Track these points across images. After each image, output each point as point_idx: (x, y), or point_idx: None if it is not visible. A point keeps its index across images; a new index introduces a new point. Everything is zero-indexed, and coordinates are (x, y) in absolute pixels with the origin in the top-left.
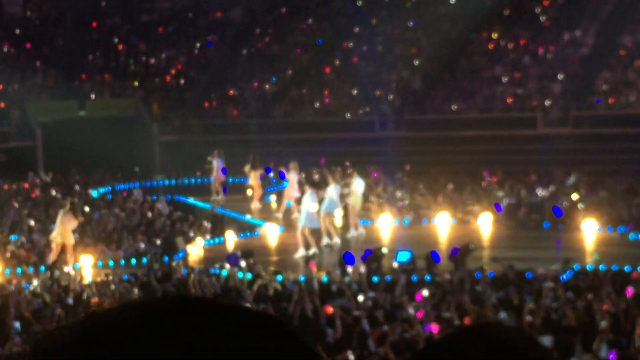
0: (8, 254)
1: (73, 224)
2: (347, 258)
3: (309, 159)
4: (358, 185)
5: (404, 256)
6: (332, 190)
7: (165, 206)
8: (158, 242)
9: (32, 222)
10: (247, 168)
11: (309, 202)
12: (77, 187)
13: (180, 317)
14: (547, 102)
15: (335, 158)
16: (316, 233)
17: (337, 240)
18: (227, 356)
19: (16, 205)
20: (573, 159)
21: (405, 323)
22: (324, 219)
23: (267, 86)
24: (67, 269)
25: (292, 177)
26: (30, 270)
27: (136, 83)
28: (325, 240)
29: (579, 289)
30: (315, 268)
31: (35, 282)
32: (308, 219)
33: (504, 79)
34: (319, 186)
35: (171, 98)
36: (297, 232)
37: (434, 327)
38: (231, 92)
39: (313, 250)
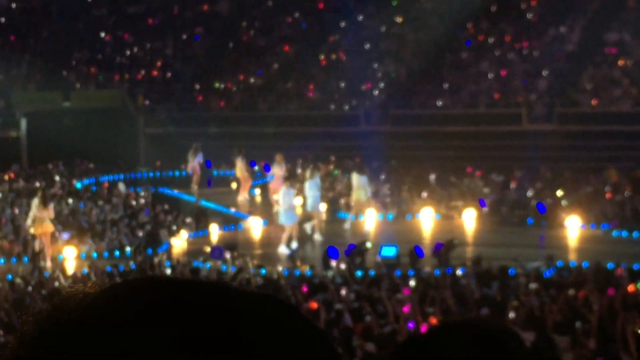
0: None
1: (47, 213)
2: (330, 252)
3: (293, 152)
4: (358, 180)
5: (389, 251)
6: (311, 187)
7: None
8: (141, 234)
9: (16, 212)
10: (235, 160)
11: (286, 199)
12: (60, 179)
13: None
14: (533, 99)
15: (320, 152)
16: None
17: (318, 236)
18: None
19: None
20: (557, 155)
21: (389, 317)
22: (314, 216)
23: (252, 79)
24: (48, 260)
25: (278, 171)
26: (14, 261)
27: (122, 75)
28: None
29: (562, 286)
30: (299, 262)
31: (17, 273)
32: (286, 215)
33: (490, 75)
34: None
35: (157, 90)
36: (280, 227)
37: (418, 322)
38: (217, 85)
39: (295, 244)
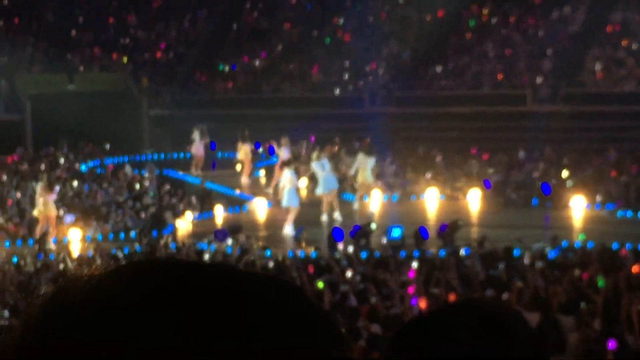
0: None
1: (51, 196)
2: (335, 234)
3: (297, 134)
4: (364, 161)
5: (396, 232)
6: (319, 168)
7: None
8: (146, 216)
9: (19, 196)
10: (239, 143)
11: (290, 181)
12: (64, 161)
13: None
14: (537, 79)
15: (324, 134)
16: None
17: (337, 214)
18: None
19: (4, 178)
20: (562, 136)
21: (394, 299)
22: (326, 198)
23: (256, 61)
24: (53, 242)
25: (283, 153)
26: (19, 244)
27: (125, 57)
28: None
29: (567, 266)
30: (304, 243)
31: (23, 256)
32: (289, 198)
33: (494, 56)
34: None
35: (160, 73)
36: (284, 209)
37: (423, 303)
38: (220, 67)
39: (300, 226)
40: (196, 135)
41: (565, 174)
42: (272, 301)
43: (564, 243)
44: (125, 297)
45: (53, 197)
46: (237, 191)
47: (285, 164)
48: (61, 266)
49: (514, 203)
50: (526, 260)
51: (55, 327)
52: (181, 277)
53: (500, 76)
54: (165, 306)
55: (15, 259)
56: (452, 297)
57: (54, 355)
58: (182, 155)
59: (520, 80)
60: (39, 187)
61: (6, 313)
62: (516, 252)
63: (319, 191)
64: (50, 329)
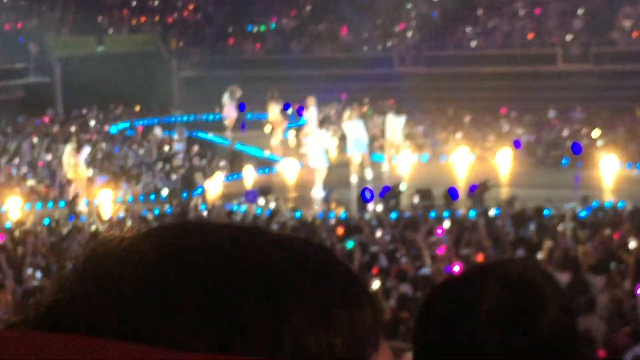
0: (27, 190)
1: (80, 158)
2: (365, 195)
3: (327, 95)
4: (394, 122)
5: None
6: (353, 127)
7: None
8: (176, 178)
9: (50, 158)
10: (268, 104)
11: (318, 142)
12: (95, 123)
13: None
14: (568, 38)
15: (354, 94)
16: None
17: (369, 174)
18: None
19: (35, 140)
20: (593, 95)
21: (424, 259)
22: (355, 159)
23: (285, 21)
24: (84, 204)
25: (311, 114)
26: (50, 205)
27: (154, 19)
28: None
29: (598, 226)
30: (334, 204)
31: (53, 218)
32: (318, 158)
33: (524, 15)
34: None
35: (189, 34)
36: (314, 170)
37: (454, 264)
38: (250, 27)
39: (328, 187)
40: (226, 96)
41: (596, 133)
42: (303, 263)
43: (594, 203)
44: (156, 260)
45: (82, 158)
46: (267, 152)
47: (316, 124)
48: (92, 228)
49: (544, 163)
50: (556, 220)
51: (88, 289)
52: (212, 240)
53: (530, 35)
54: (196, 270)
55: (46, 221)
56: (481, 258)
57: (86, 317)
58: (211, 116)
59: (551, 40)
60: (68, 149)
61: (38, 274)
62: (546, 212)
63: (349, 152)
64: (83, 289)
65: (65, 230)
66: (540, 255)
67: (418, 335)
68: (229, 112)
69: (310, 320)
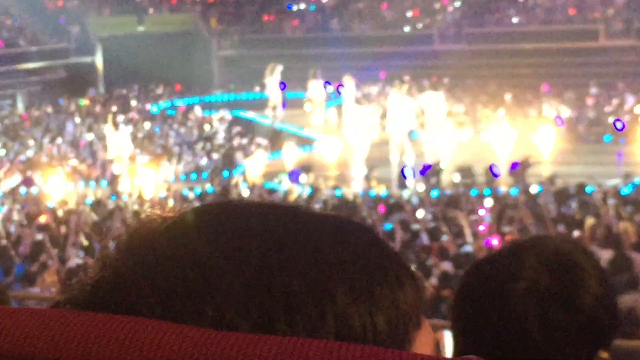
0: (70, 169)
1: (120, 138)
2: (405, 172)
3: (367, 73)
4: (433, 99)
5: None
6: (396, 104)
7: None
8: (217, 157)
9: (92, 137)
10: (309, 82)
11: (360, 119)
12: (136, 103)
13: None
14: (610, 14)
15: (394, 72)
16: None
17: (410, 154)
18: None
19: (77, 120)
20: (635, 71)
21: (465, 237)
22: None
23: None
24: (126, 183)
25: (350, 92)
26: (92, 185)
27: None
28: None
29: None
30: (375, 182)
31: (96, 197)
32: (358, 136)
33: None
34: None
35: (229, 12)
36: (354, 148)
37: (495, 241)
38: (290, 6)
39: (371, 166)
40: (267, 74)
41: (638, 109)
42: (345, 241)
43: (637, 180)
44: (198, 240)
45: (122, 138)
46: (307, 131)
47: (355, 102)
48: (135, 207)
49: (586, 139)
50: (599, 197)
51: (132, 268)
52: (257, 219)
53: (572, 11)
54: (241, 250)
55: (89, 201)
56: (524, 235)
57: (130, 297)
58: (251, 95)
59: (593, 15)
60: (108, 128)
61: (81, 253)
62: (589, 189)
63: (390, 129)
64: (127, 267)
65: (107, 210)
66: (582, 233)
67: (457, 312)
68: (271, 90)
69: (353, 298)
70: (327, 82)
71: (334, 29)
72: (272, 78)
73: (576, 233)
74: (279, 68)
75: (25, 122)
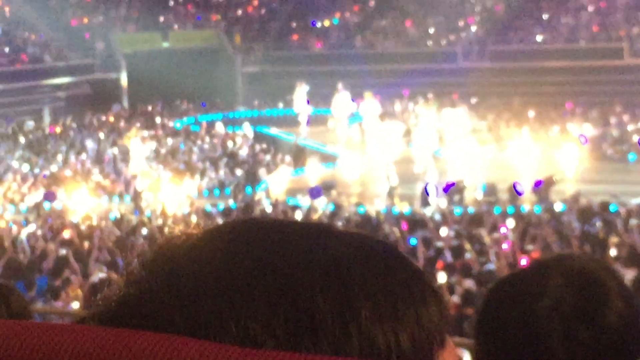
0: (93, 185)
1: (143, 152)
2: (428, 190)
3: (390, 90)
4: (451, 116)
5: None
6: (420, 121)
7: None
8: (240, 173)
9: (116, 152)
10: (332, 99)
11: (383, 136)
12: (160, 119)
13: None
14: (634, 32)
15: (417, 89)
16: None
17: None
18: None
19: (101, 136)
20: None
21: (488, 255)
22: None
23: (349, 16)
24: (149, 199)
25: (372, 108)
26: (116, 200)
27: (219, 15)
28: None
29: None
30: (398, 199)
31: (120, 213)
32: (382, 152)
33: (590, 8)
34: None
35: (253, 29)
36: (379, 164)
37: (518, 259)
38: (314, 23)
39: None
40: (297, 92)
41: None
42: (369, 259)
43: None
44: (224, 258)
45: (145, 154)
46: (330, 147)
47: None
48: (158, 222)
49: (610, 158)
50: (623, 216)
51: (157, 285)
52: (281, 237)
53: (596, 29)
54: (265, 268)
55: (112, 216)
56: (547, 254)
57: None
58: (275, 112)
59: (617, 33)
60: (132, 143)
61: (104, 268)
62: (613, 208)
63: (413, 146)
64: (152, 284)
65: (130, 226)
66: (606, 251)
67: (481, 330)
68: (300, 108)
69: (378, 316)
70: (351, 99)
71: (358, 46)
72: (299, 96)
73: (599, 252)
74: (305, 87)
75: (50, 137)
